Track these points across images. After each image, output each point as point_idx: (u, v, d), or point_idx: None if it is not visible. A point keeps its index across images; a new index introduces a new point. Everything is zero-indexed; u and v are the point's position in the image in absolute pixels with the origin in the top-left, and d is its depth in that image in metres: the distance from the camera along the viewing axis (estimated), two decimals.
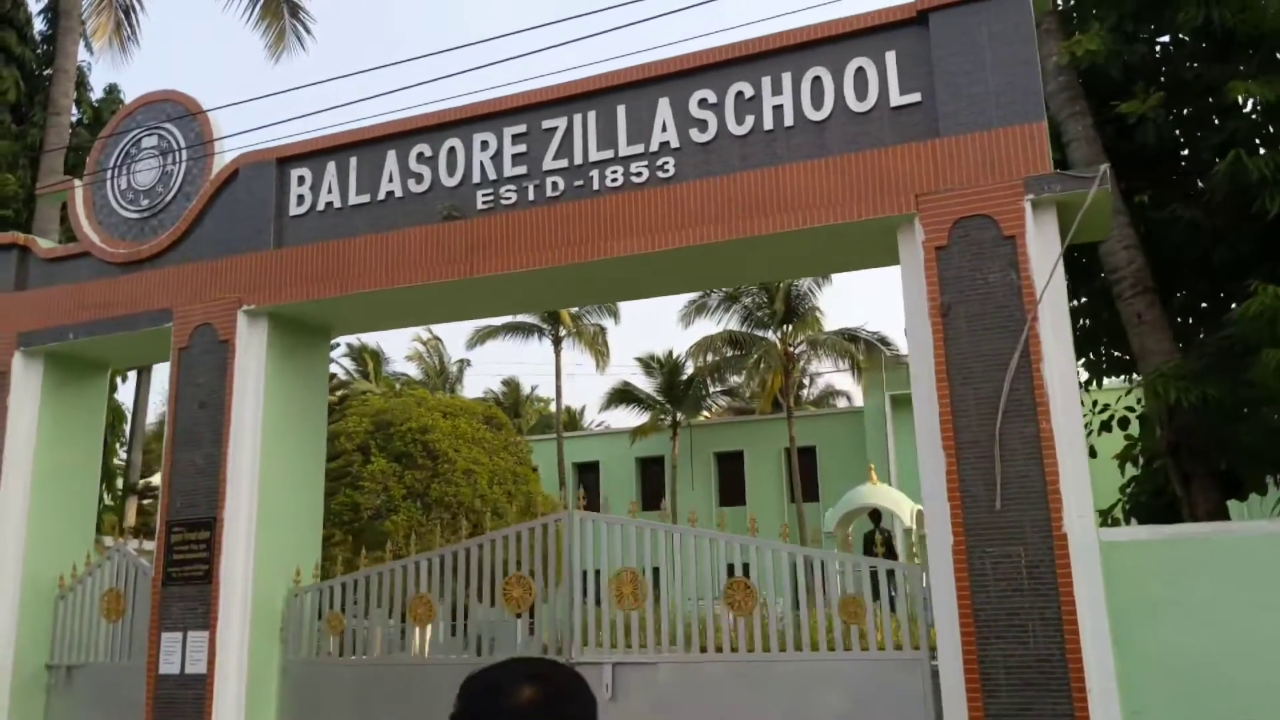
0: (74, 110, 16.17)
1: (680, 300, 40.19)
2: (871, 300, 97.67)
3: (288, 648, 10.52)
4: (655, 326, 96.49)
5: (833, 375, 43.75)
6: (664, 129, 9.94)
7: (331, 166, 11.36)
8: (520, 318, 38.98)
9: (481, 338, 42.31)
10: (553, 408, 48.30)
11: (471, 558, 10.13)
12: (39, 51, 16.20)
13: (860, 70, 9.32)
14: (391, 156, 11.08)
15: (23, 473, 11.77)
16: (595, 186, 10.10)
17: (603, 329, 41.04)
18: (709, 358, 38.74)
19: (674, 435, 38.66)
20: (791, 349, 37.21)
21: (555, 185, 10.30)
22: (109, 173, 12.47)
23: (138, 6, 18.45)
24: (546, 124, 10.49)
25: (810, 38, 9.50)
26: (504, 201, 10.47)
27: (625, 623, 9.31)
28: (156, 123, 12.36)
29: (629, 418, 41.69)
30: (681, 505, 36.53)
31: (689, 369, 40.02)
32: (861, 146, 9.12)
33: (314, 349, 11.69)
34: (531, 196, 10.36)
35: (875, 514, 22.40)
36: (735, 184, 9.46)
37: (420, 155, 10.95)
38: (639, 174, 9.96)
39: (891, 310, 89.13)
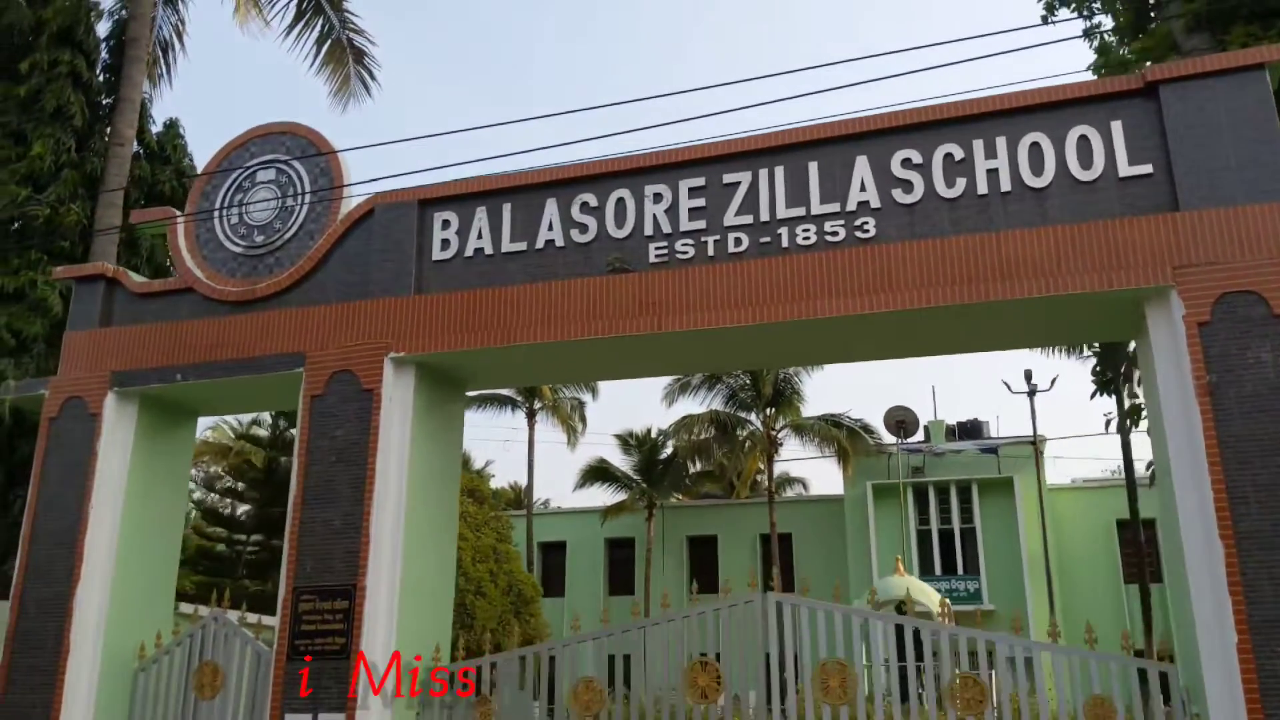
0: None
1: (662, 379, 39.47)
2: (847, 388, 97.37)
3: None
4: (629, 404, 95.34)
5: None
6: (862, 188, 9.39)
7: (481, 211, 10.57)
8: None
9: None
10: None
11: (647, 640, 9.25)
12: (101, 80, 15.26)
13: (1084, 138, 8.90)
14: (551, 204, 10.34)
15: (109, 525, 10.54)
16: (784, 244, 9.46)
17: (580, 403, 40.12)
18: (692, 437, 38.00)
19: (649, 516, 37.64)
20: (774, 433, 36.74)
21: (738, 241, 9.66)
22: (218, 206, 11.54)
23: (176, 45, 17.62)
24: (728, 178, 9.85)
25: (1027, 103, 9.05)
26: (680, 256, 9.78)
27: (834, 718, 8.48)
28: (275, 156, 11.50)
29: (600, 496, 40.52)
30: (653, 589, 35.46)
31: (668, 448, 39.21)
32: (1090, 216, 8.66)
33: (453, 403, 10.74)
34: (711, 252, 9.68)
35: (900, 606, 21.75)
36: (945, 248, 8.91)
37: (585, 205, 10.23)
38: (834, 233, 9.36)
39: (869, 399, 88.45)
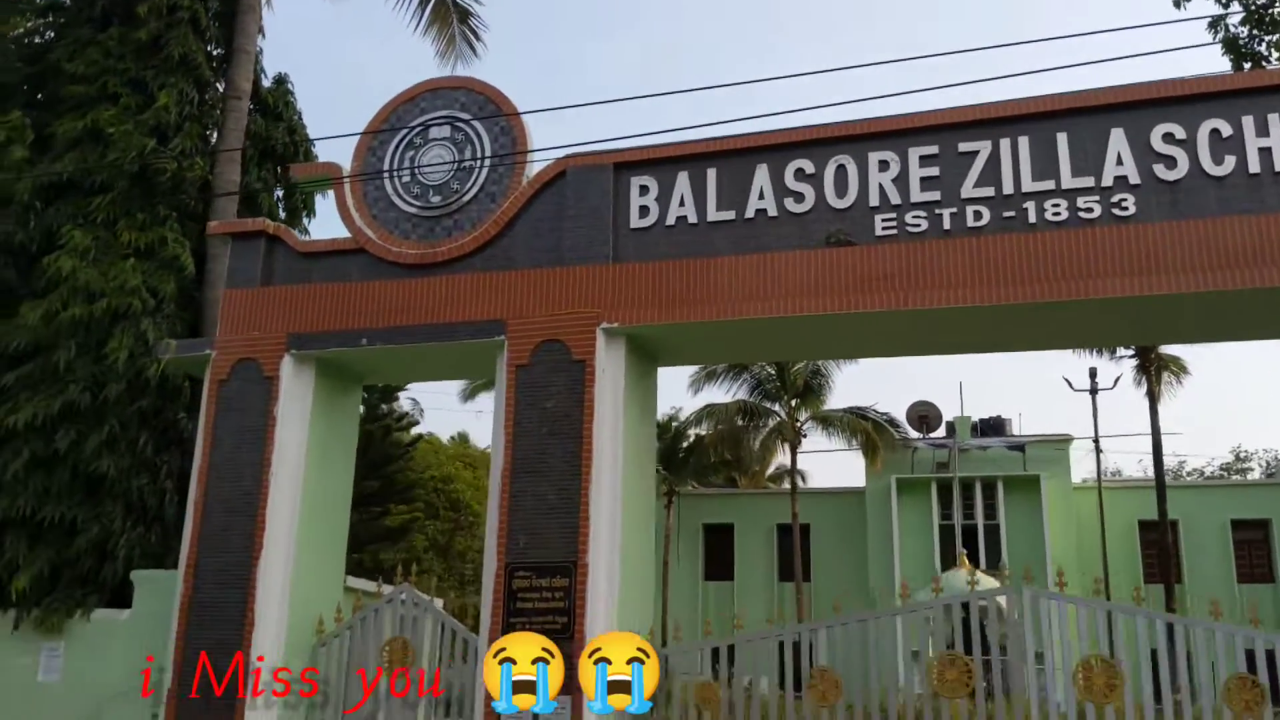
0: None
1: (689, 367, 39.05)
2: (869, 381, 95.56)
3: None
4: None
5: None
6: (1119, 162, 8.96)
7: (683, 177, 10.01)
8: None
9: (475, 389, 40.75)
10: None
11: (884, 630, 8.83)
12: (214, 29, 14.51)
13: None
14: (762, 171, 9.80)
15: (289, 493, 9.88)
16: (1031, 219, 9.04)
17: None
18: (718, 426, 37.62)
19: (669, 504, 37.24)
20: (799, 424, 36.45)
21: (978, 214, 9.22)
22: (387, 164, 10.93)
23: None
24: (964, 147, 9.32)
25: None
26: (911, 229, 9.36)
27: (1098, 717, 8.10)
28: (450, 113, 10.89)
29: None
30: (671, 577, 35.06)
31: (690, 436, 38.78)
32: None
33: (650, 377, 10.15)
34: (948, 225, 9.28)
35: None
36: (1214, 229, 8.52)
37: (800, 172, 9.69)
38: (1088, 209, 8.97)
39: (890, 392, 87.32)
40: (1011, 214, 9.00)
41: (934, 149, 9.34)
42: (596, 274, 9.60)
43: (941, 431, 37.08)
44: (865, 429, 36.63)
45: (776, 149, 9.71)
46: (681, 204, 9.81)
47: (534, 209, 10.19)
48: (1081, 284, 8.58)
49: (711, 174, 9.82)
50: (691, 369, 36.82)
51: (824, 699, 8.54)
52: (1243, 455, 48.70)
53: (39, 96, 13.64)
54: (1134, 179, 8.79)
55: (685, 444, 40.11)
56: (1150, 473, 33.74)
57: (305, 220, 15.14)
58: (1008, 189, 9.06)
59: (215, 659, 9.42)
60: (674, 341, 9.76)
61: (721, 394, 37.51)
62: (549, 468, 9.11)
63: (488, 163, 10.43)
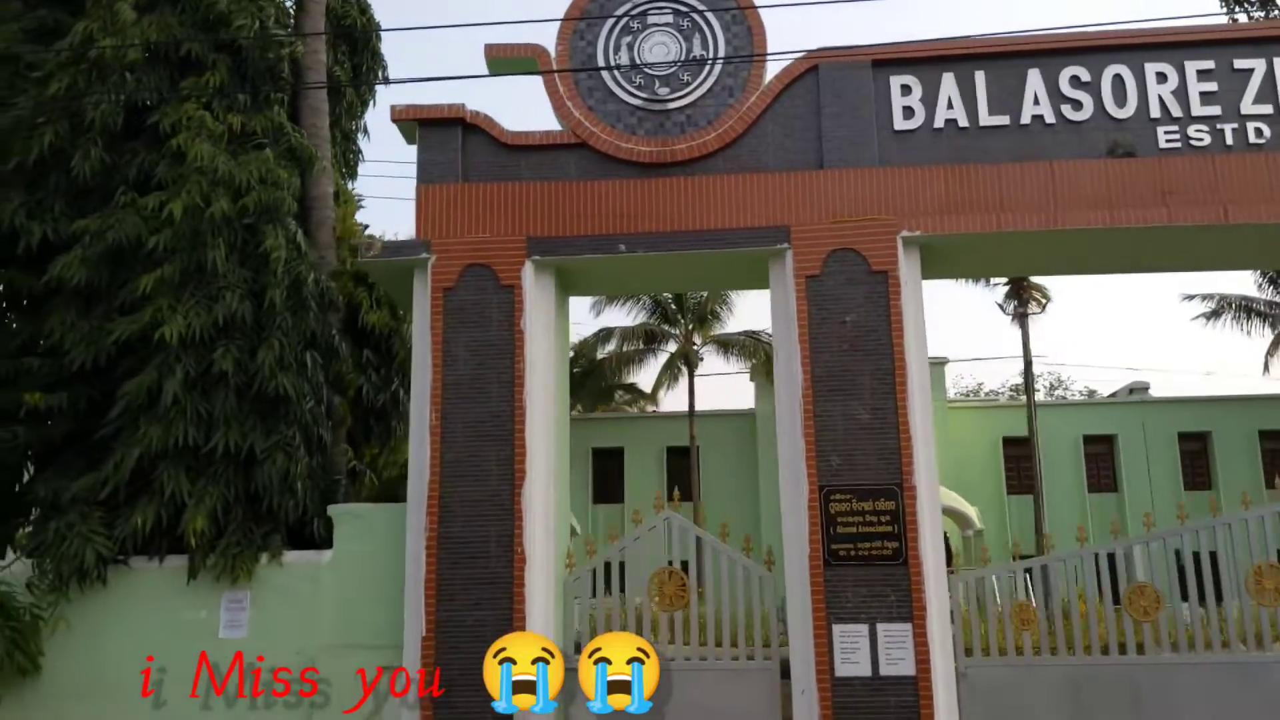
0: None
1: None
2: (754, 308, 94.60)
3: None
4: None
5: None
6: None
7: (949, 79, 9.43)
8: None
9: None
10: None
11: (1200, 542, 8.83)
12: None
13: None
14: (1035, 76, 9.35)
15: (542, 413, 8.64)
16: None
17: None
18: (622, 348, 37.21)
19: None
20: (697, 347, 36.60)
21: (1259, 131, 9.20)
22: (600, 51, 9.73)
23: None
24: (1239, 64, 9.23)
25: None
26: (1195, 143, 9.25)
27: None
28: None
29: None
30: None
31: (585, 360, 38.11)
32: None
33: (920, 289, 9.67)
34: (1230, 141, 9.21)
35: None
36: None
37: (1075, 79, 9.35)
38: None
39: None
40: None
41: (1209, 64, 9.24)
42: (884, 177, 8.99)
43: None
44: (766, 351, 37.07)
45: (1048, 54, 9.35)
46: (950, 106, 9.31)
47: (781, 106, 9.41)
48: None
49: (980, 76, 9.36)
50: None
51: (1145, 614, 8.52)
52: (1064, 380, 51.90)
53: None
54: None
55: (578, 368, 39.51)
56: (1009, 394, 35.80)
57: (372, 106, 13.60)
58: None
59: (477, 597, 8.40)
60: (950, 251, 9.27)
61: (623, 316, 36.92)
62: (857, 385, 8.53)
63: (719, 49, 9.53)
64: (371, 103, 13.46)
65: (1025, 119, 9.23)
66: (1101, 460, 37.44)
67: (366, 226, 11.88)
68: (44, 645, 8.63)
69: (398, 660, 8.51)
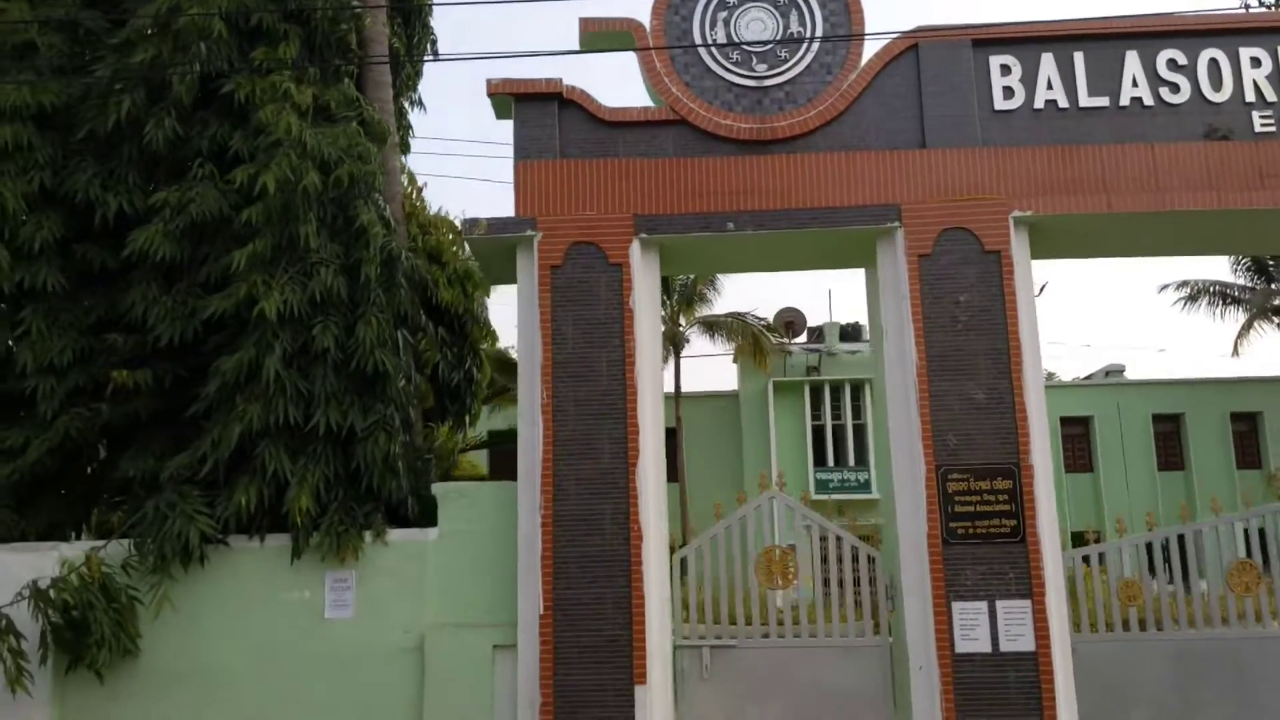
0: None
1: None
2: (745, 289, 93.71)
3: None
4: None
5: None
6: None
7: (1048, 59, 9.41)
8: None
9: None
10: None
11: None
12: None
13: None
14: (1133, 58, 9.36)
15: (652, 397, 8.55)
16: None
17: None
18: None
19: None
20: (682, 329, 36.52)
21: None
22: (697, 27, 9.59)
23: None
24: None
25: None
26: None
27: None
28: None
29: None
30: None
31: None
32: None
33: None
34: None
35: None
36: None
37: (1172, 62, 9.42)
38: None
39: (762, 300, 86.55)
40: None
41: None
42: (991, 157, 8.98)
43: (804, 338, 38.25)
44: (753, 332, 37.06)
45: (1145, 36, 9.38)
46: (1049, 87, 9.32)
47: (881, 85, 9.36)
48: None
49: (1079, 57, 9.37)
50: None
51: (1248, 589, 8.65)
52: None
53: None
54: None
55: None
56: None
57: (418, 92, 13.34)
58: None
59: (594, 574, 8.30)
60: (1056, 231, 9.28)
61: None
62: (972, 365, 8.52)
63: (815, 24, 9.45)
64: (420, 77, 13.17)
65: (1124, 101, 9.26)
66: (1078, 441, 37.97)
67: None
68: (143, 627, 8.38)
69: (509, 638, 8.41)
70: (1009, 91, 9.26)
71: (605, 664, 8.11)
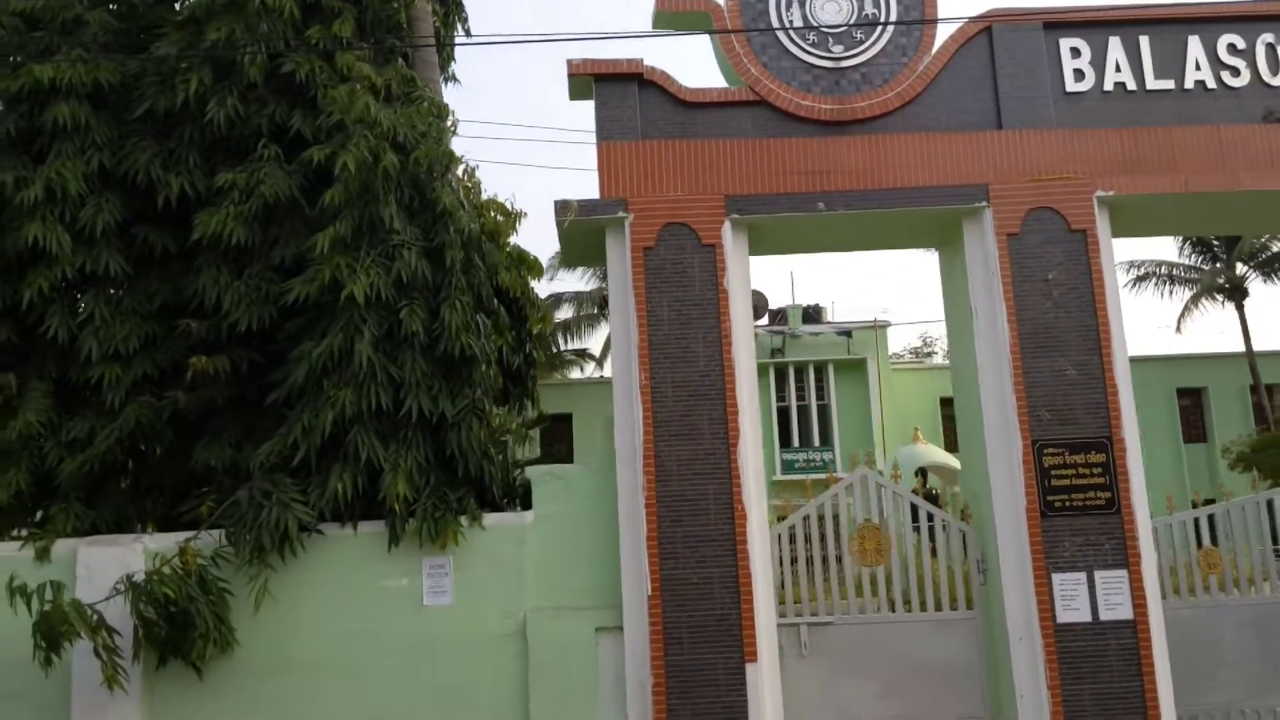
0: None
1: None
2: None
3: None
4: None
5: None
6: None
7: (1115, 42, 9.56)
8: None
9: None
10: None
11: None
12: None
13: None
14: (1195, 42, 9.57)
15: (748, 377, 8.58)
16: None
17: None
18: (580, 312, 36.92)
19: None
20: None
21: None
22: (773, 9, 9.54)
23: None
24: None
25: None
26: None
27: None
28: None
29: None
30: None
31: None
32: None
33: None
34: None
35: (922, 471, 23.14)
36: None
37: (1231, 46, 9.64)
38: None
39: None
40: None
41: None
42: (1070, 138, 9.12)
43: (765, 320, 38.54)
44: None
45: (1206, 21, 9.59)
46: (1117, 70, 9.49)
47: (956, 66, 9.44)
48: None
49: (1144, 41, 9.55)
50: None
51: None
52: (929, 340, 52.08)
53: None
54: None
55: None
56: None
57: (451, 69, 13.11)
58: None
59: (701, 555, 8.29)
60: (1141, 212, 9.38)
61: (577, 281, 36.71)
62: (1063, 342, 8.67)
63: (892, 20, 9.50)
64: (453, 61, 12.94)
65: (1189, 84, 9.47)
66: None
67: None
68: (236, 619, 8.16)
69: (612, 620, 8.36)
70: (1079, 74, 9.40)
71: (715, 643, 8.10)
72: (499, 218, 11.01)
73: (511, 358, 10.69)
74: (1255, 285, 32.59)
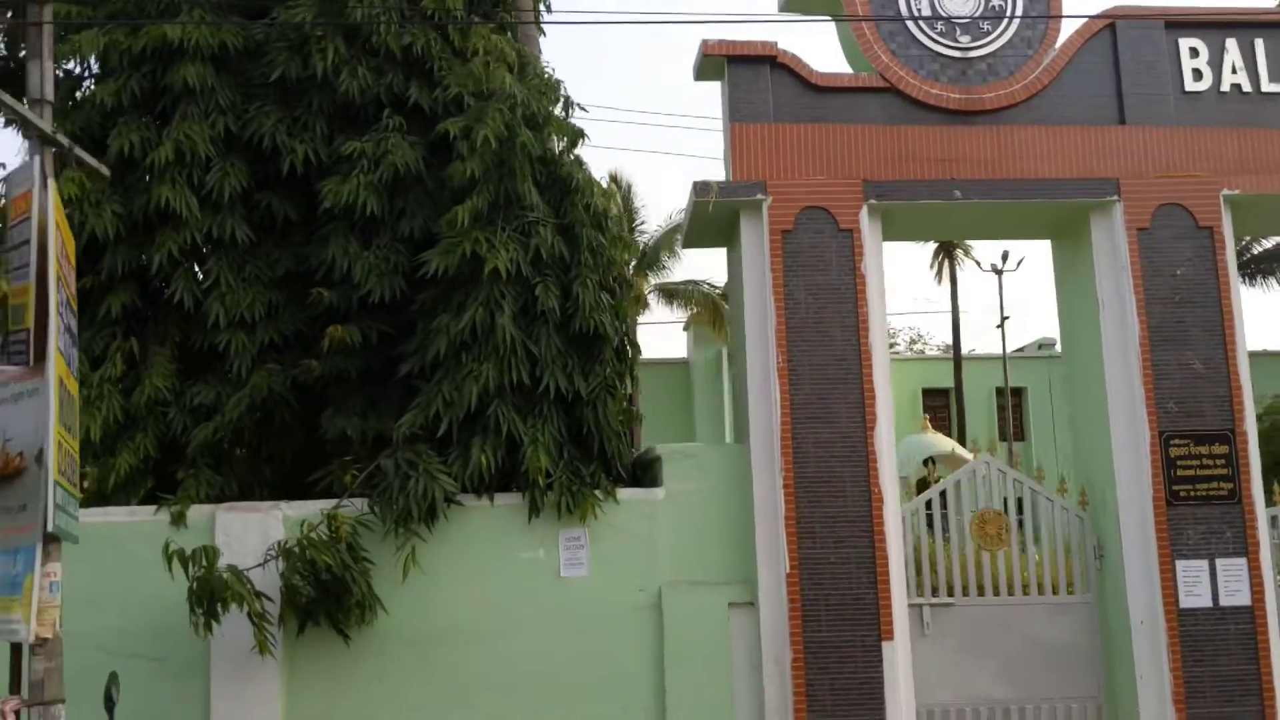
0: None
1: None
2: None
3: None
4: None
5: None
6: None
7: (1231, 44, 9.73)
8: None
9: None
10: None
11: None
12: None
13: None
14: None
15: (883, 363, 8.73)
16: None
17: None
18: None
19: None
20: (645, 294, 36.46)
21: None
22: None
23: None
24: None
25: None
26: None
27: None
28: None
29: None
30: None
31: None
32: None
33: None
34: None
35: (930, 460, 23.50)
36: None
37: None
38: None
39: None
40: None
41: None
42: (1195, 136, 9.27)
43: None
44: (712, 300, 37.11)
45: None
46: (1234, 71, 9.65)
47: (1080, 61, 9.56)
48: None
49: (1259, 44, 9.71)
50: None
51: None
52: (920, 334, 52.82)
53: None
54: None
55: None
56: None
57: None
58: None
59: (839, 535, 8.42)
60: (1261, 211, 9.54)
61: None
62: (1188, 336, 8.85)
63: (1018, 14, 9.60)
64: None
65: None
66: (1013, 411, 39.06)
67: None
68: (380, 588, 8.17)
69: (744, 596, 8.48)
70: (1198, 74, 9.55)
71: (852, 621, 8.24)
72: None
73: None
74: None
